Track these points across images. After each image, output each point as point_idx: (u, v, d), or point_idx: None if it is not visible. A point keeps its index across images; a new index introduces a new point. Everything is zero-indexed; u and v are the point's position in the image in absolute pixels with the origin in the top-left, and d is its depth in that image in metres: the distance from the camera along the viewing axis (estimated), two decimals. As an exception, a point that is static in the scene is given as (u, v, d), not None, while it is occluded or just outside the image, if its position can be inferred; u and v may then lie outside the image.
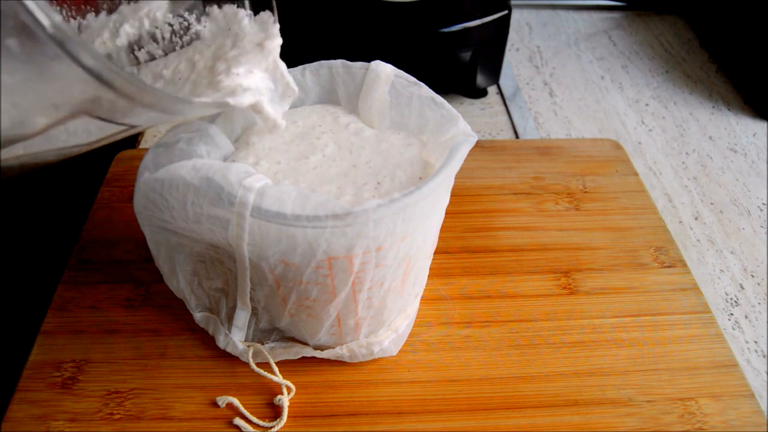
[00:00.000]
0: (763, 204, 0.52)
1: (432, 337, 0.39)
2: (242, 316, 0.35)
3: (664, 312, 0.40)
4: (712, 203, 0.52)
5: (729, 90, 0.64)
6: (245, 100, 0.27)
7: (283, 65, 0.30)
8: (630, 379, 0.37)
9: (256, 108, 0.29)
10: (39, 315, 0.39)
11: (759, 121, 0.60)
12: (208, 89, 0.27)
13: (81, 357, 0.37)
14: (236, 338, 0.36)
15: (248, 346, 0.36)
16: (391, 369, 0.37)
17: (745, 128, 0.60)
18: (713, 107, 0.62)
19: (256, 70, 0.28)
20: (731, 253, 0.48)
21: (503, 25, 0.56)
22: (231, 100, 0.27)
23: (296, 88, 0.31)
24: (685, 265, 0.43)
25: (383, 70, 0.35)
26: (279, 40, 0.30)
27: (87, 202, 0.46)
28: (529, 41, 0.71)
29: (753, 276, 0.46)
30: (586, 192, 0.49)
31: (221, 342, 0.36)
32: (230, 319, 0.35)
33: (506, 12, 0.55)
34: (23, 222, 0.49)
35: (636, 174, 0.50)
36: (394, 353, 0.37)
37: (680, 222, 0.50)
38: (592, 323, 0.40)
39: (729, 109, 0.62)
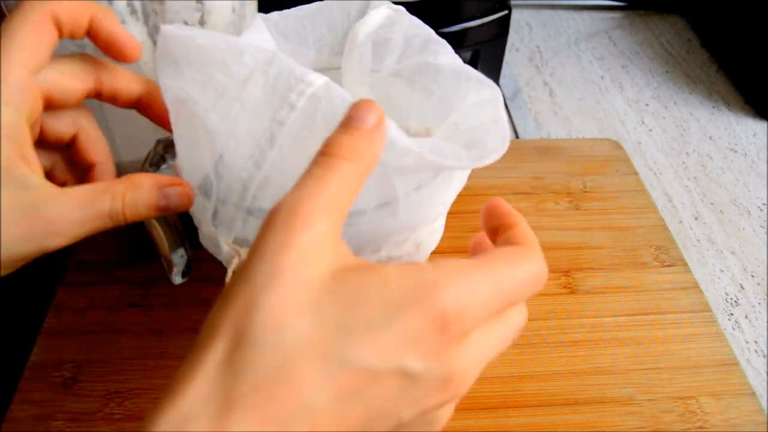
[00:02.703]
0: (763, 204, 0.52)
1: (432, 336, 0.39)
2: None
3: (664, 311, 0.40)
4: (712, 203, 0.52)
5: (729, 90, 0.64)
6: None
7: None
8: (630, 377, 0.37)
9: None
10: (39, 315, 0.39)
11: (759, 121, 0.60)
12: None
13: (81, 357, 0.37)
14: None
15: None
16: (392, 368, 0.37)
17: (745, 128, 0.60)
18: (713, 107, 0.62)
19: None
20: (731, 253, 0.48)
21: (503, 25, 0.56)
22: None
23: None
24: (685, 264, 0.43)
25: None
26: None
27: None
28: (529, 41, 0.71)
29: (753, 276, 0.46)
30: (586, 192, 0.49)
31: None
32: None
33: (506, 12, 0.55)
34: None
35: (636, 173, 0.50)
36: (395, 353, 0.37)
37: (680, 222, 0.50)
38: (592, 322, 0.40)
39: (729, 109, 0.62)
